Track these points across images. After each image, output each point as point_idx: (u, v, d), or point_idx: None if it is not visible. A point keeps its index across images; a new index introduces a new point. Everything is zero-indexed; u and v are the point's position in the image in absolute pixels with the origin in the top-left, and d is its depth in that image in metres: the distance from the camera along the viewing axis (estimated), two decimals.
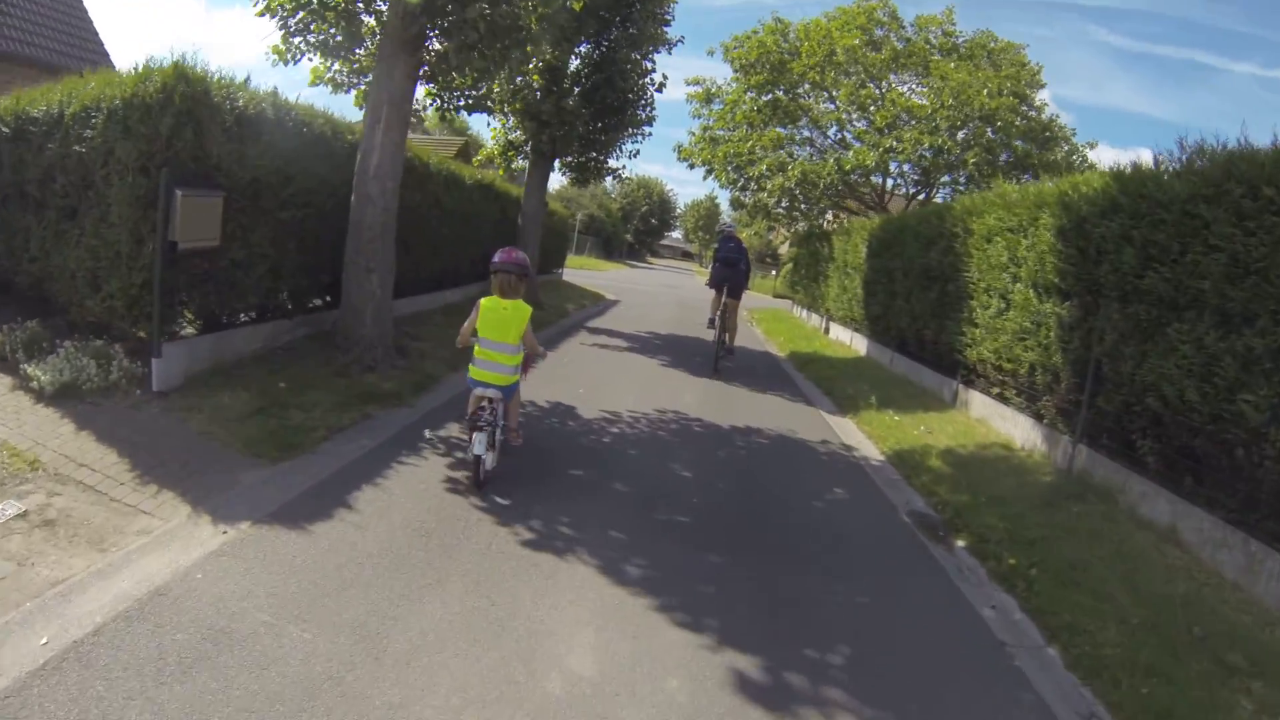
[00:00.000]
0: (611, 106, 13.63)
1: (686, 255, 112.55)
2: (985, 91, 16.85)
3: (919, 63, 18.18)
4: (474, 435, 4.61)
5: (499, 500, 4.68)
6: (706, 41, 22.83)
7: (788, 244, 51.66)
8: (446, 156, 13.01)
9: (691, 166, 21.47)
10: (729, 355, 11.04)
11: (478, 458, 4.66)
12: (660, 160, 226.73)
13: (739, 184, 18.44)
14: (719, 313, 10.73)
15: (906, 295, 11.26)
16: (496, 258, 4.78)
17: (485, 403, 4.76)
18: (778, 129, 18.90)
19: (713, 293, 11.00)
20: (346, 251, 7.27)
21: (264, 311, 7.02)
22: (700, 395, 8.83)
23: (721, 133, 19.82)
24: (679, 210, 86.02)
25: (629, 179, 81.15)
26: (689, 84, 22.40)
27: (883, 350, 12.80)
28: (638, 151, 13.11)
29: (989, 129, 17.12)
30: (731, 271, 10.80)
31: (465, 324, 4.87)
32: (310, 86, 13.24)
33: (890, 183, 19.86)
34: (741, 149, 18.36)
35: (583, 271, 33.11)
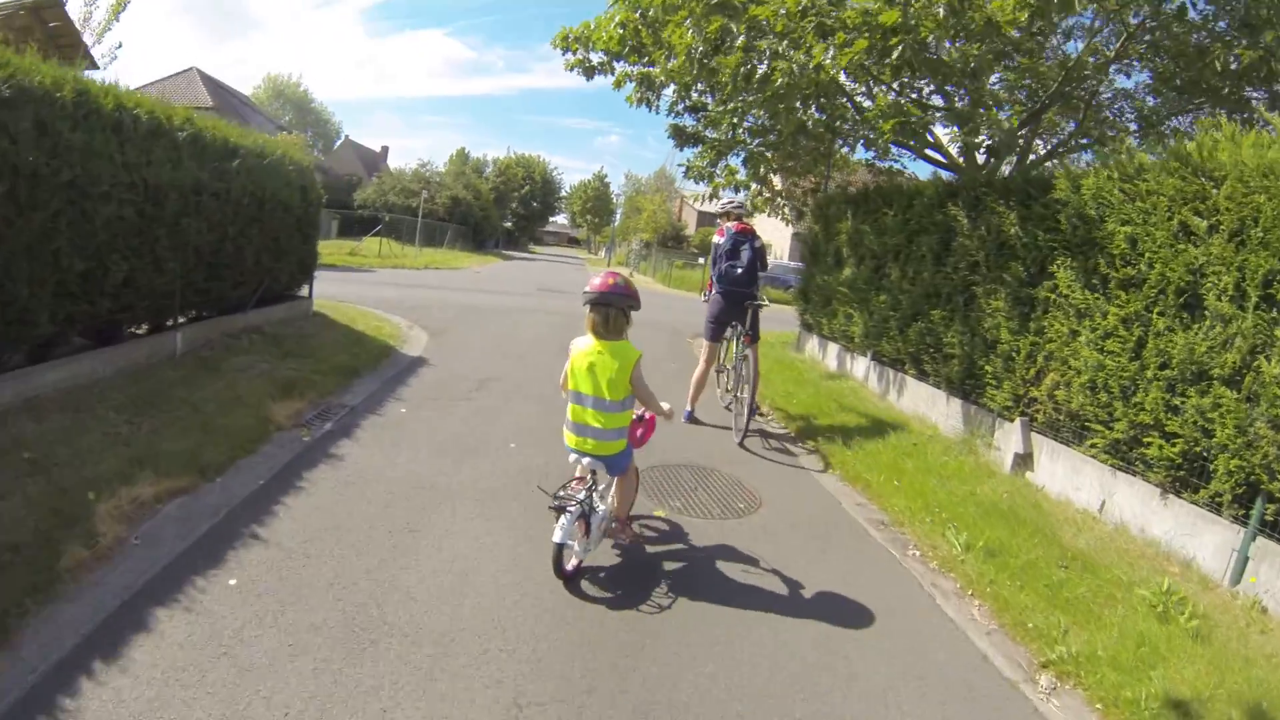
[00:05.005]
0: None
1: (573, 241, 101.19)
2: None
3: None
4: (559, 518, 3.41)
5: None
6: None
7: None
8: None
9: (590, 74, 10.22)
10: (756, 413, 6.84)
11: (559, 547, 3.42)
12: (539, 144, 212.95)
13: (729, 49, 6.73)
14: (732, 374, 6.89)
15: None
16: (591, 284, 3.62)
17: (583, 475, 3.66)
18: None
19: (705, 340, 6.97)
20: None
21: None
22: None
23: None
24: (564, 193, 73.80)
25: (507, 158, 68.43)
26: None
27: None
28: None
29: None
30: (745, 294, 6.53)
31: (563, 373, 3.72)
32: None
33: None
34: None
35: (423, 274, 20.73)
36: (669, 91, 10.75)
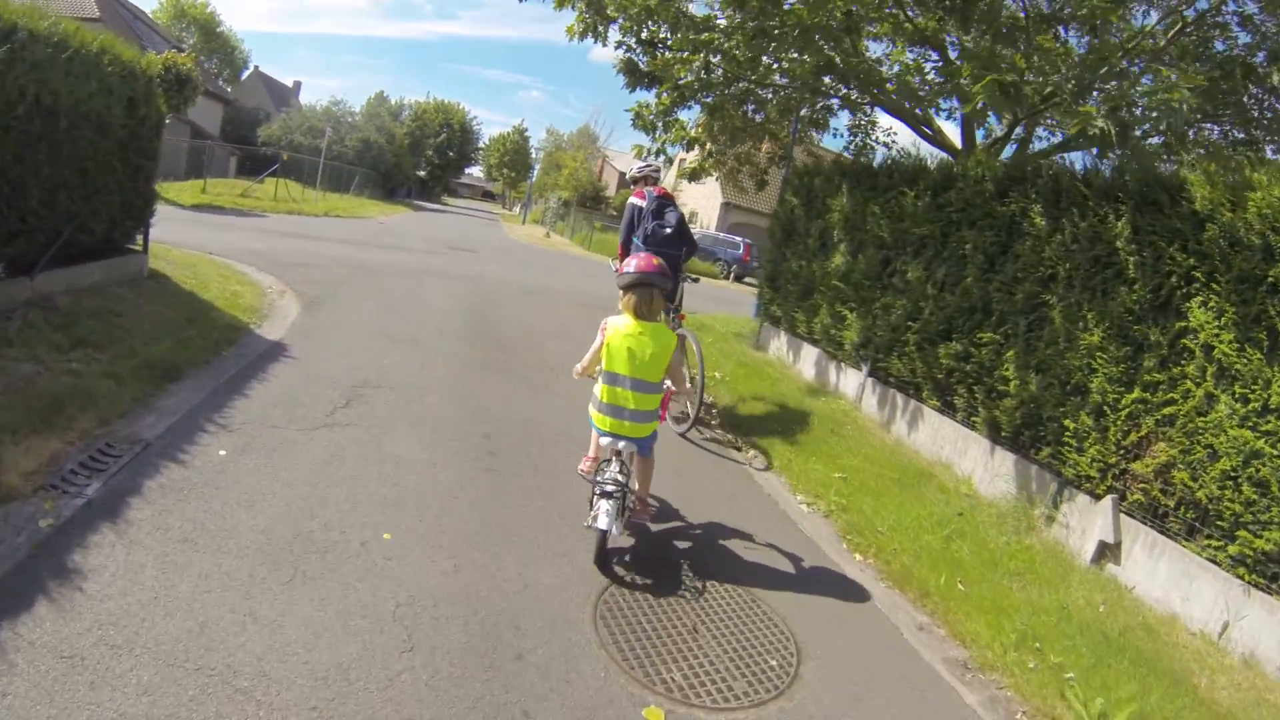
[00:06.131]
0: None
1: (488, 195, 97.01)
2: None
3: None
4: (599, 504, 3.33)
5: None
6: None
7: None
8: None
9: None
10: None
11: (603, 534, 3.32)
12: (460, 94, 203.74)
13: None
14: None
15: None
16: (631, 265, 3.54)
17: (613, 458, 3.49)
18: None
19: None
20: None
21: None
22: None
23: None
24: (482, 144, 69.72)
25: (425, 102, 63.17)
26: None
27: None
28: None
29: None
30: (674, 257, 5.76)
31: (589, 352, 3.67)
32: None
33: None
34: None
35: (321, 222, 18.03)
36: (621, 23, 8.89)
